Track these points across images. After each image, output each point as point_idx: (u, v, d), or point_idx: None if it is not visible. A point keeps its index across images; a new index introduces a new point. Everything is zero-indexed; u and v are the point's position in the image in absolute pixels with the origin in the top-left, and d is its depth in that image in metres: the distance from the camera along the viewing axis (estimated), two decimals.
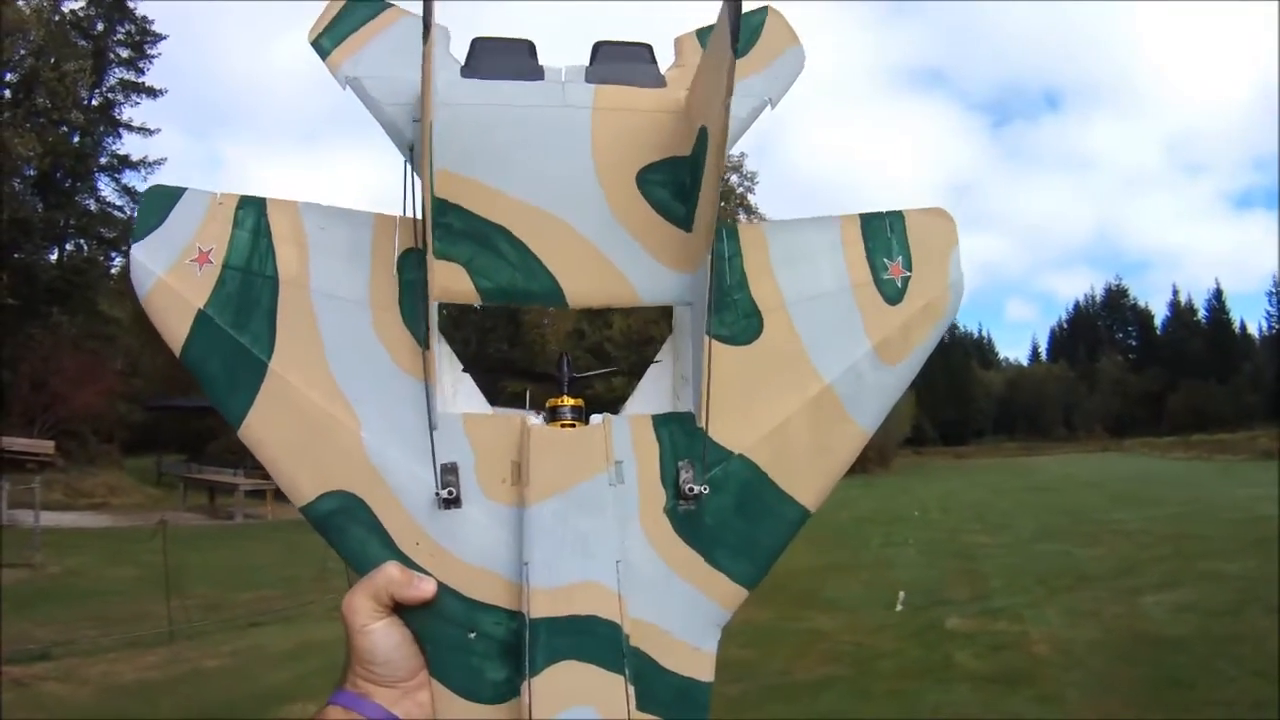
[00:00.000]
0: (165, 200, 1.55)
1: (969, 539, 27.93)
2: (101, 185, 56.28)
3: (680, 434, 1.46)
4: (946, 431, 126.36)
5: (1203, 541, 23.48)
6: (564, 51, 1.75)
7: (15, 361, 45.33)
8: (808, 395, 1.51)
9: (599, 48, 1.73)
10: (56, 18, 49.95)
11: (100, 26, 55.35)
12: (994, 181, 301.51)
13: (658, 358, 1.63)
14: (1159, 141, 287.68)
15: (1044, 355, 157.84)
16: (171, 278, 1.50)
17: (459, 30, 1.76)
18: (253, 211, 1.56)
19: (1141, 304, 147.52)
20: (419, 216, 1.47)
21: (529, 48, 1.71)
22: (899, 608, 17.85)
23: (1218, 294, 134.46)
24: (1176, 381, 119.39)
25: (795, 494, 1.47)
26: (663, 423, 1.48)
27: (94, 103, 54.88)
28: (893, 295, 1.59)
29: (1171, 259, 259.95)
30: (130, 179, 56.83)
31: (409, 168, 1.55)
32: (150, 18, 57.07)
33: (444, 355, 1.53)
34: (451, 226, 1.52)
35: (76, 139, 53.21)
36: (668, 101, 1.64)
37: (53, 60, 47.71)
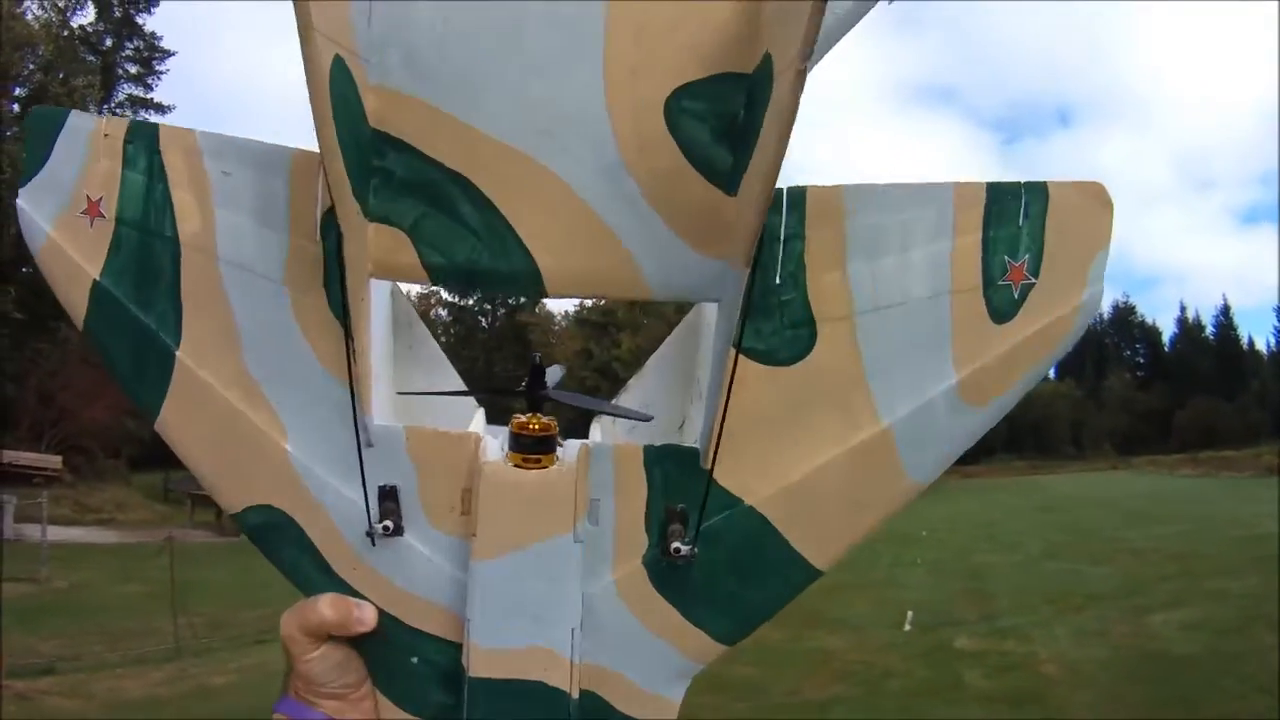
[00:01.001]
0: (49, 127, 1.34)
1: (977, 558, 27.80)
2: None
3: (676, 473, 1.21)
4: None
5: (1210, 560, 23.35)
6: None
7: (23, 376, 45.34)
8: (856, 438, 1.21)
9: None
10: (65, 33, 50.11)
11: (109, 42, 55.76)
12: None
13: (661, 349, 1.44)
14: (1168, 158, 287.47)
15: (1052, 373, 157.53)
16: (60, 234, 1.32)
17: None
18: (144, 146, 1.31)
19: (1149, 321, 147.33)
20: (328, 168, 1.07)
21: None
22: (907, 627, 17.79)
23: (1225, 310, 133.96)
24: (1184, 399, 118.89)
25: (807, 553, 1.24)
26: (656, 458, 1.22)
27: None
28: (1004, 309, 1.21)
29: (1180, 275, 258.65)
30: None
31: (335, 73, 1.06)
32: (159, 34, 57.39)
33: (383, 347, 1.33)
34: (393, 175, 1.16)
35: None
36: None
37: (61, 75, 47.79)
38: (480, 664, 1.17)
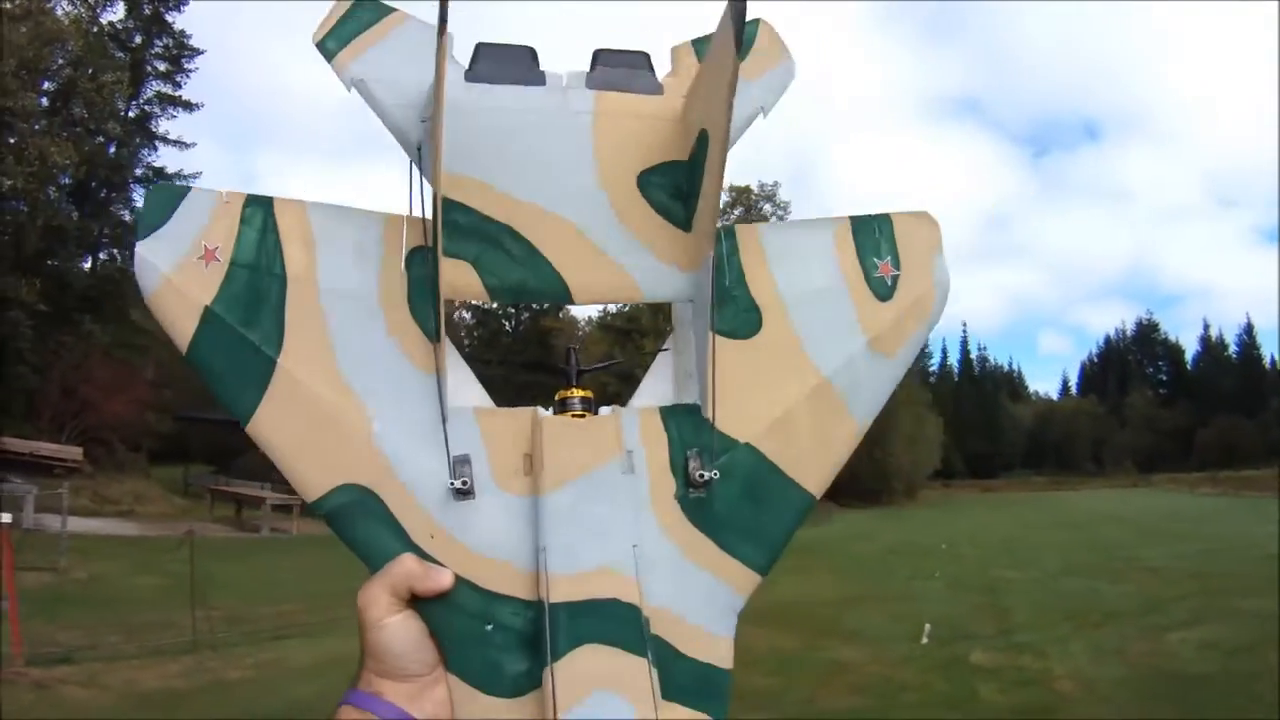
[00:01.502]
0: (170, 198, 1.55)
1: (996, 573, 27.80)
2: (136, 196, 56.53)
3: (688, 425, 1.48)
4: (975, 464, 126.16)
5: (1228, 579, 23.31)
6: (563, 57, 1.79)
7: (46, 368, 45.62)
8: (807, 387, 1.54)
9: (598, 55, 1.76)
10: (95, 29, 50.42)
11: (138, 39, 56.02)
12: (1031, 213, 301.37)
13: (661, 348, 1.66)
14: (1196, 174, 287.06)
15: (1074, 389, 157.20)
16: (178, 275, 1.49)
17: (460, 36, 1.77)
18: (259, 210, 1.56)
19: (1172, 339, 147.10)
20: (427, 215, 1.52)
21: (531, 54, 1.73)
22: (924, 640, 17.75)
23: (1248, 329, 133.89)
24: (1206, 417, 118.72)
25: (801, 480, 1.49)
26: (670, 414, 1.50)
27: (131, 114, 55.37)
28: (883, 292, 1.63)
29: (1205, 293, 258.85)
30: None
31: (414, 168, 1.58)
32: (188, 32, 57.85)
33: (450, 352, 1.52)
34: (458, 224, 1.53)
35: (113, 150, 53.75)
36: (665, 108, 1.69)
37: (90, 71, 48.02)
38: (559, 589, 1.26)
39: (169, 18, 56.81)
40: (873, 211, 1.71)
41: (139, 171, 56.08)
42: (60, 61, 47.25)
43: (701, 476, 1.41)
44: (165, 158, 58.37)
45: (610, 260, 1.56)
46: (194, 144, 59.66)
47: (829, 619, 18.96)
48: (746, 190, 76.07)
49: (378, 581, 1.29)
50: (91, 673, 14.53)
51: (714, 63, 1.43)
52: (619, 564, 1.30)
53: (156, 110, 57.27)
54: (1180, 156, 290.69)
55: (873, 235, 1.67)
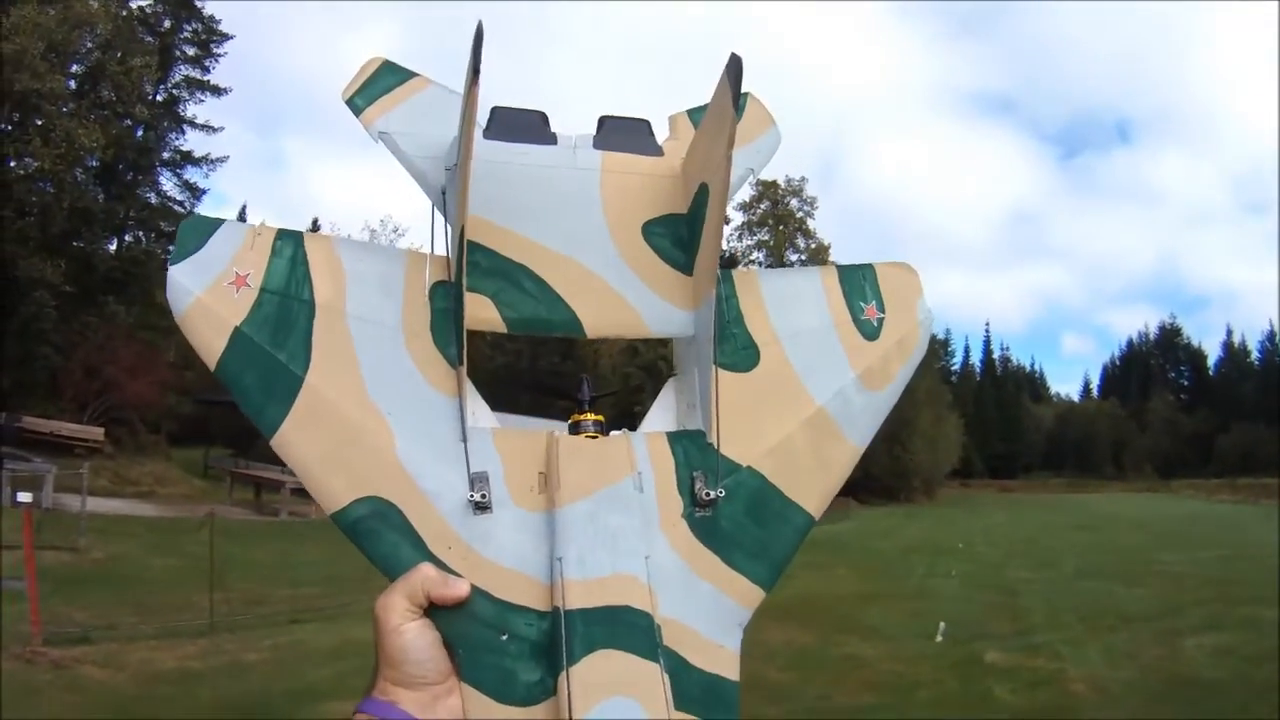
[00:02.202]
0: (203, 229, 1.63)
1: (1012, 573, 27.78)
2: (163, 180, 57.06)
3: (693, 448, 1.56)
4: (994, 464, 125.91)
5: (1245, 586, 23.23)
6: (571, 120, 1.93)
7: (70, 348, 45.79)
8: (804, 415, 1.64)
9: (604, 121, 1.89)
10: (124, 13, 50.39)
11: (167, 24, 56.12)
12: (1059, 213, 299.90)
13: (665, 388, 1.74)
14: (1225, 178, 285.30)
15: (1095, 391, 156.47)
16: (209, 297, 1.56)
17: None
18: (290, 243, 1.64)
19: (1195, 343, 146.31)
20: (448, 253, 1.62)
21: (542, 117, 1.85)
22: (939, 639, 17.75)
23: (1271, 336, 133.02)
24: (1227, 423, 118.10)
25: (801, 502, 1.57)
26: (676, 439, 1.58)
27: (159, 98, 55.47)
28: (870, 333, 1.76)
29: (1231, 298, 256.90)
30: (192, 175, 57.83)
31: (436, 212, 1.70)
32: (217, 17, 57.97)
33: (466, 383, 1.58)
34: (479, 264, 1.62)
35: (140, 133, 53.90)
36: (665, 168, 1.82)
37: (119, 55, 48.09)
38: (575, 596, 1.30)
39: (198, 3, 57.03)
40: (857, 261, 1.89)
41: (165, 154, 56.43)
42: (89, 45, 47.40)
43: (707, 495, 1.49)
44: (192, 141, 58.74)
45: (619, 298, 1.65)
46: (222, 128, 59.77)
47: (845, 615, 18.97)
48: (774, 185, 75.92)
49: (396, 588, 1.33)
50: (109, 653, 14.63)
51: (713, 119, 1.57)
52: (633, 571, 1.35)
53: (184, 94, 57.47)
54: (1211, 160, 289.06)
55: (859, 282, 1.81)
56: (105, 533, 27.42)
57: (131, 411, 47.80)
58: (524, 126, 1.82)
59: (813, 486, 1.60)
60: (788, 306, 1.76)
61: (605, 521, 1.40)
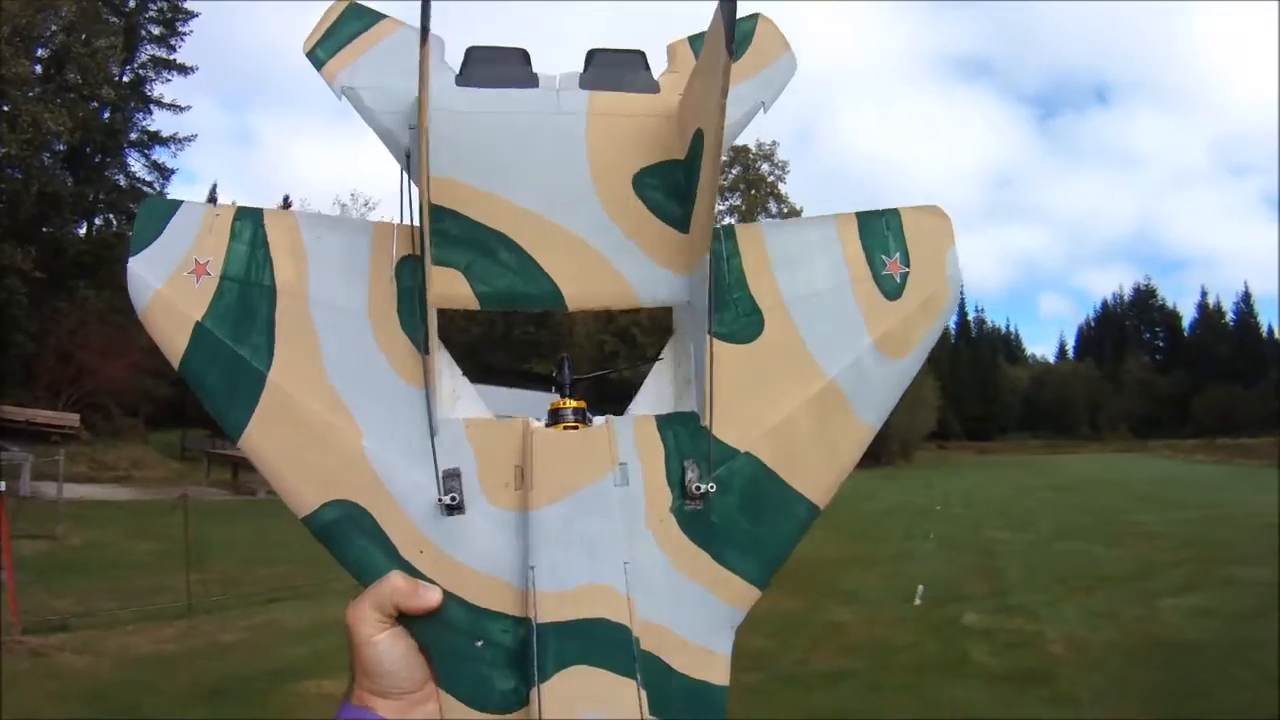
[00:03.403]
0: (161, 212, 1.56)
1: (990, 535, 27.97)
2: (131, 161, 57.15)
3: (684, 434, 1.45)
4: (971, 426, 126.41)
5: (1223, 546, 23.42)
6: (559, 60, 1.77)
7: (42, 334, 45.74)
8: (811, 391, 1.49)
9: (593, 55, 1.74)
10: None
11: (132, 3, 55.97)
12: (1038, 174, 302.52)
13: (660, 357, 1.62)
14: (1206, 141, 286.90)
15: (1071, 353, 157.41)
16: (169, 289, 1.50)
17: (453, 41, 1.76)
18: (249, 223, 1.56)
19: (1170, 305, 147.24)
20: (416, 223, 1.48)
21: (523, 56, 1.71)
22: (917, 602, 17.87)
23: (1246, 297, 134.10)
24: (1202, 384, 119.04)
25: (803, 490, 1.45)
26: (667, 423, 1.46)
27: (125, 79, 55.38)
28: (892, 291, 1.58)
29: (1210, 259, 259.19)
30: (161, 155, 57.79)
31: (405, 176, 1.56)
32: None
33: (444, 362, 1.52)
34: (448, 232, 1.51)
35: (107, 115, 53.79)
36: (661, 106, 1.66)
37: (84, 36, 47.95)
38: (547, 609, 1.25)
39: None
40: (878, 205, 1.67)
41: (133, 135, 56.34)
42: (54, 27, 47.22)
43: (697, 489, 1.38)
44: (160, 121, 58.75)
45: (605, 264, 1.53)
46: (189, 107, 59.93)
47: (823, 579, 19.00)
48: (745, 150, 75.98)
49: (365, 599, 1.29)
50: (87, 639, 14.61)
51: (707, 61, 1.42)
52: (610, 582, 1.28)
53: (151, 74, 57.55)
54: (1191, 122, 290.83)
55: (880, 232, 1.63)
56: (83, 519, 27.38)
57: (107, 396, 47.79)
58: (502, 68, 1.68)
59: (817, 472, 1.47)
60: (797, 264, 1.60)
61: (581, 527, 1.32)
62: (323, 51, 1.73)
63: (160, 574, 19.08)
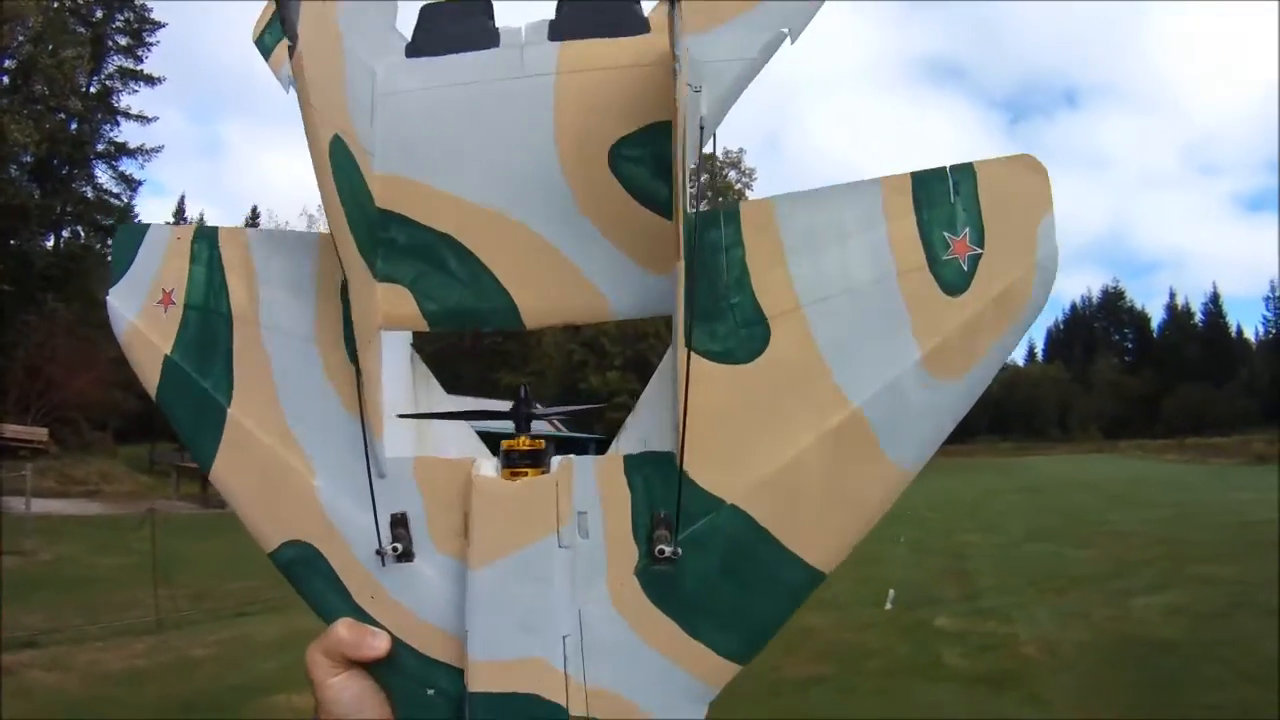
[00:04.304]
0: (132, 240, 1.54)
1: (960, 538, 27.97)
2: (99, 172, 57.15)
3: (656, 479, 1.23)
4: None
5: (1195, 545, 23.46)
6: (534, 9, 1.45)
7: (10, 348, 45.60)
8: (827, 424, 1.21)
9: None
10: (55, 4, 50.19)
11: (99, 14, 55.80)
12: None
13: (653, 380, 1.34)
14: (1175, 142, 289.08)
15: (1040, 355, 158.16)
16: (141, 322, 1.50)
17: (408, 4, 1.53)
18: (206, 245, 1.51)
19: (1138, 306, 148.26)
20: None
21: (485, 8, 1.43)
22: (888, 606, 17.86)
23: (1214, 298, 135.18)
24: (1172, 384, 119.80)
25: (802, 552, 1.22)
26: (636, 465, 1.25)
27: (92, 90, 55.30)
28: (956, 282, 1.22)
29: (1179, 261, 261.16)
30: (128, 166, 57.64)
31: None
32: (149, 5, 57.57)
33: (399, 391, 1.38)
34: (395, 242, 1.36)
35: (74, 126, 53.65)
36: (649, 52, 1.32)
37: (51, 47, 47.91)
38: (479, 678, 1.19)
39: None
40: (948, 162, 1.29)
41: (100, 147, 56.22)
42: (20, 38, 47.03)
43: (662, 553, 1.18)
44: (127, 133, 58.65)
45: (571, 270, 1.31)
46: (156, 118, 60.11)
47: None
48: (710, 157, 76.35)
49: (317, 645, 1.28)
50: (55, 656, 14.55)
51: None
52: (544, 655, 1.18)
53: (118, 85, 57.55)
54: (1160, 124, 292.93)
55: (945, 199, 1.25)
56: (52, 534, 27.33)
57: (75, 410, 47.61)
58: (459, 28, 1.41)
59: (825, 530, 1.23)
60: (823, 252, 1.27)
61: (517, 592, 1.20)
62: (270, 38, 1.58)
63: (129, 589, 19.06)
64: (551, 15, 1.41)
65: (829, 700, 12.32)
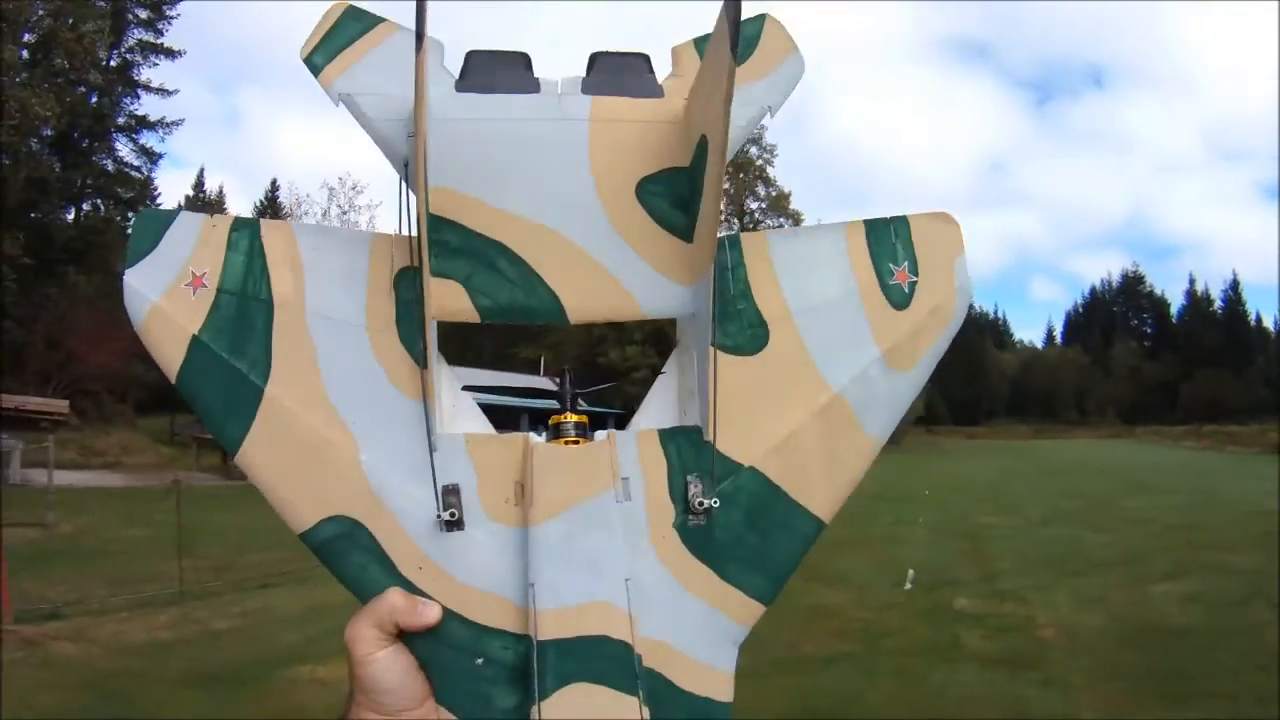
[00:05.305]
0: (157, 224, 1.53)
1: (979, 520, 27.98)
2: (119, 146, 57.12)
3: (688, 448, 1.42)
4: (959, 411, 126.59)
5: (1211, 533, 23.42)
6: (560, 63, 1.73)
7: (31, 321, 45.61)
8: (816, 405, 1.47)
9: (595, 59, 1.69)
10: None
11: None
12: (1032, 159, 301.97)
13: (663, 370, 1.59)
14: (1200, 126, 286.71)
15: (1059, 338, 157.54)
16: (166, 302, 1.47)
17: (454, 45, 1.72)
18: (246, 234, 1.53)
19: (1158, 292, 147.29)
20: (414, 234, 1.46)
21: (524, 60, 1.67)
22: (908, 586, 17.88)
23: (1234, 285, 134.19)
24: (1190, 371, 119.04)
25: (808, 505, 1.43)
26: (669, 437, 1.43)
27: (112, 63, 55.15)
28: (900, 301, 1.55)
29: (1203, 246, 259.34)
30: (148, 139, 57.56)
31: (404, 185, 1.54)
32: None
33: (443, 376, 1.50)
34: (448, 244, 1.49)
35: (94, 99, 53.63)
36: (665, 112, 1.61)
37: (71, 21, 47.69)
38: (548, 626, 1.24)
39: None
40: (887, 214, 1.63)
41: (120, 120, 56.14)
42: (41, 12, 46.93)
43: (701, 504, 1.36)
44: (147, 105, 58.81)
45: (608, 276, 1.50)
46: (176, 91, 59.85)
47: (813, 563, 18.81)
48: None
49: (364, 616, 1.27)
50: (80, 627, 14.60)
51: (711, 66, 1.38)
52: (611, 599, 1.26)
53: (138, 58, 57.30)
54: (1185, 108, 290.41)
55: (888, 240, 1.59)
56: (73, 506, 27.41)
57: (96, 382, 47.59)
58: (503, 73, 1.63)
59: (823, 487, 1.45)
60: (804, 274, 1.56)
61: (581, 542, 1.30)
62: (320, 57, 1.71)
63: (152, 561, 19.06)
64: (582, 73, 1.67)
65: (848, 678, 12.38)
